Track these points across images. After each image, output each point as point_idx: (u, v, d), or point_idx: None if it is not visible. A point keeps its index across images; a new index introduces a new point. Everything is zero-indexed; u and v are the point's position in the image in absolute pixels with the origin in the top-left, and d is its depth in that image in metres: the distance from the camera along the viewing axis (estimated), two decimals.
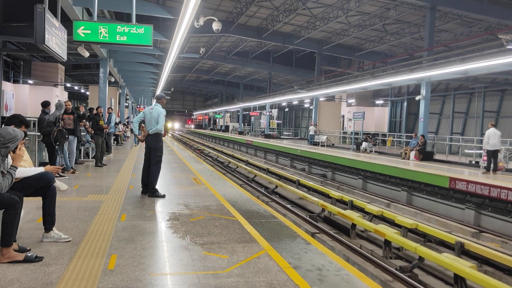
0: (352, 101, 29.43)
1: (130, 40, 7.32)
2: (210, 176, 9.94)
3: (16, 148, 3.52)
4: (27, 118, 4.31)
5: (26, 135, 3.74)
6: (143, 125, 7.15)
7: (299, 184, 13.33)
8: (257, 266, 3.70)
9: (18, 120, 4.05)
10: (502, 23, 19.39)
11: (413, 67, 16.66)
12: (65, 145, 8.94)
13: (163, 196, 6.76)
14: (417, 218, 9.52)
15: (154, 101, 7.17)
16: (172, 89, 52.91)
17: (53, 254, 3.76)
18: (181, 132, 68.55)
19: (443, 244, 7.54)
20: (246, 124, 55.11)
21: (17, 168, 3.53)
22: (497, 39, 12.79)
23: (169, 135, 36.88)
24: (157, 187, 6.93)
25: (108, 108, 16.04)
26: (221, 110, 53.33)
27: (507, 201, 8.99)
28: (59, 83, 23.64)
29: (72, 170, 9.07)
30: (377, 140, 22.58)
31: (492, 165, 11.86)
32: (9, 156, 3.55)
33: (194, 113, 76.08)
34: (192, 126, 75.26)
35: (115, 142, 18.71)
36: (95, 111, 11.47)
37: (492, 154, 11.86)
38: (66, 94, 26.42)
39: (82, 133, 10.84)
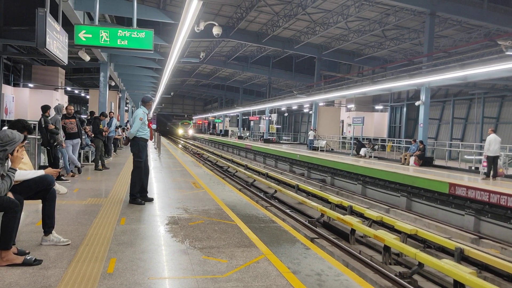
0: (351, 106, 29.49)
1: (131, 45, 7.36)
2: (209, 180, 9.93)
3: (13, 150, 3.52)
4: (29, 122, 4.33)
5: (26, 138, 3.75)
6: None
7: (298, 189, 13.30)
8: (256, 271, 3.69)
9: (21, 126, 4.07)
10: (502, 29, 19.50)
11: (412, 72, 16.70)
12: (69, 149, 8.95)
13: (143, 204, 6.28)
14: (416, 224, 9.51)
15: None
16: (172, 93, 53.03)
17: (52, 257, 3.76)
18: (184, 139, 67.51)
19: (442, 250, 7.52)
20: (245, 129, 55.11)
21: (16, 170, 3.53)
22: (496, 45, 12.83)
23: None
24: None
25: (110, 112, 16.07)
26: (221, 114, 53.37)
27: (507, 207, 8.99)
28: (59, 87, 23.70)
29: (71, 174, 9.07)
30: (376, 146, 22.55)
31: (492, 171, 11.89)
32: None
33: (193, 118, 75.91)
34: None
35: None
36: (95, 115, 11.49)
37: (492, 160, 11.89)
38: (66, 98, 26.49)
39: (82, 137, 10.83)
